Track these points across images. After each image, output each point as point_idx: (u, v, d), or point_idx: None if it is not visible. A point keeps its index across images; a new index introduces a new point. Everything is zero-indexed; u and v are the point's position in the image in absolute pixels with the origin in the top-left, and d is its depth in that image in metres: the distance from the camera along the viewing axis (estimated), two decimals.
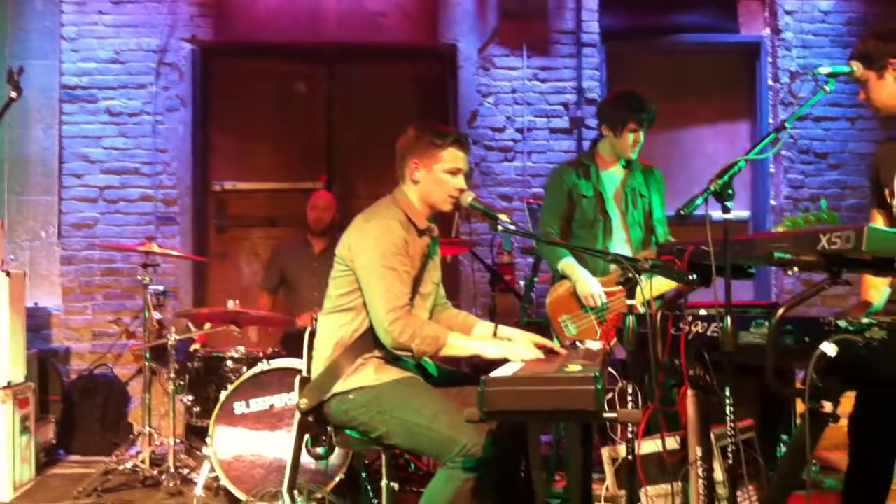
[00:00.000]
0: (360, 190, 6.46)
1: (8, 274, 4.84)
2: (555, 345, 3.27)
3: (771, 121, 6.49)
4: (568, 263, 4.30)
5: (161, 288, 5.29)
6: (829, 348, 2.30)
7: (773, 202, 6.43)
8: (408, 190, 3.33)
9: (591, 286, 4.21)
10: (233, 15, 6.32)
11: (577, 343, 3.32)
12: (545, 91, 6.40)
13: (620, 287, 4.13)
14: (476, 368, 5.50)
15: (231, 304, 4.86)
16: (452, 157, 3.26)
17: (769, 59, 6.54)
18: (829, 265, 2.46)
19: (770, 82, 6.52)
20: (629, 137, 4.32)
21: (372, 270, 3.12)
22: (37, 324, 5.95)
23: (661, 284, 3.64)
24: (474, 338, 3.30)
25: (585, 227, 4.38)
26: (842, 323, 2.34)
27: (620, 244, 4.35)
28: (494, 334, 3.37)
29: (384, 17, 6.41)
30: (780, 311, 2.45)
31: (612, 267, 4.23)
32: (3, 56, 6.15)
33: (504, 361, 3.02)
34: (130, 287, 6.07)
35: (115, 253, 6.05)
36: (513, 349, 3.07)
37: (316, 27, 6.35)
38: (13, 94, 3.10)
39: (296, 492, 3.40)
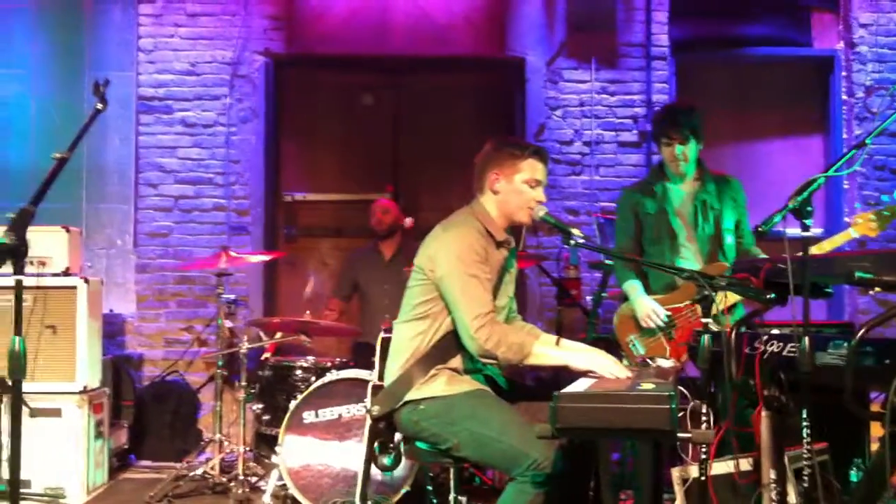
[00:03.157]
0: (426, 201, 6.49)
1: (86, 281, 4.96)
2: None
3: (845, 136, 6.37)
4: (630, 285, 4.32)
5: (232, 297, 5.37)
6: None
7: (846, 219, 6.29)
8: (486, 202, 3.35)
9: (646, 306, 4.20)
10: (304, 28, 6.41)
11: (649, 360, 3.29)
12: (614, 104, 6.37)
13: (688, 303, 4.13)
14: (541, 382, 5.50)
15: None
16: (532, 167, 3.28)
17: (843, 73, 6.42)
18: None
19: (844, 96, 6.40)
20: (666, 152, 4.32)
21: (455, 279, 3.15)
22: (111, 330, 6.07)
23: (731, 295, 3.60)
24: (560, 347, 3.29)
25: (653, 244, 4.36)
26: None
27: (690, 259, 4.30)
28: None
29: (451, 30, 6.45)
30: (861, 331, 2.41)
31: (679, 282, 4.20)
32: (83, 67, 6.32)
33: (573, 376, 3.02)
34: (203, 295, 6.18)
35: (188, 261, 6.16)
36: (599, 362, 3.05)
37: (384, 39, 6.41)
38: (99, 106, 3.15)
39: (370, 503, 3.43)
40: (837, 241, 3.90)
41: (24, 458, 4.66)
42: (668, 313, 4.17)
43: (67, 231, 5.05)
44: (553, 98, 6.35)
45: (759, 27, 6.52)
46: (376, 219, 5.73)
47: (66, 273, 4.98)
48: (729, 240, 4.33)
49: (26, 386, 4.58)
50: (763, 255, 4.19)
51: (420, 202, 6.50)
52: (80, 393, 4.87)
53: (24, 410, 4.65)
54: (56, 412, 4.83)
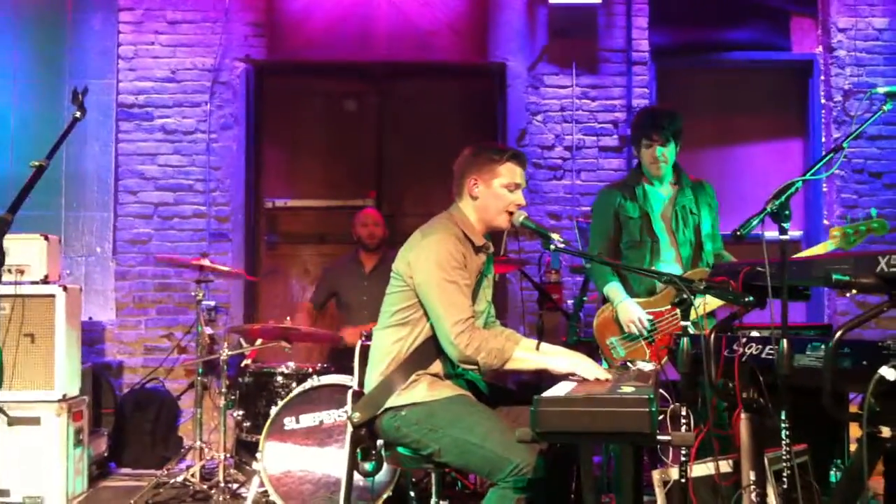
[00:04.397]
0: (409, 207, 6.49)
1: (65, 289, 4.93)
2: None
3: (823, 139, 6.41)
4: (612, 288, 4.27)
5: (212, 303, 5.35)
6: (888, 372, 2.27)
7: (826, 222, 6.34)
8: (465, 207, 3.35)
9: (631, 312, 4.17)
10: (285, 34, 6.40)
11: (629, 363, 3.30)
12: (594, 109, 6.39)
13: (669, 307, 4.13)
14: (523, 386, 5.50)
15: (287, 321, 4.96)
16: (510, 171, 3.29)
17: (821, 77, 6.47)
18: (888, 287, 2.43)
19: (823, 100, 6.45)
20: (646, 154, 4.32)
21: (434, 285, 3.14)
22: (91, 338, 6.03)
23: (712, 301, 3.61)
24: (541, 351, 3.27)
25: (633, 248, 4.34)
26: None
27: (670, 264, 4.30)
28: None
29: (434, 36, 6.45)
30: (838, 333, 2.42)
31: (660, 286, 4.20)
32: (63, 75, 6.29)
33: (554, 380, 3.02)
34: (183, 302, 6.15)
35: (169, 269, 6.13)
36: (581, 364, 3.05)
37: (366, 45, 6.41)
38: (77, 114, 3.15)
39: None
40: (816, 252, 3.92)
41: (3, 467, 4.68)
42: (651, 317, 4.17)
43: (46, 239, 5.01)
44: (534, 103, 6.37)
45: (739, 32, 6.57)
46: (368, 231, 5.63)
47: (45, 281, 4.95)
48: (708, 246, 4.35)
49: (4, 394, 4.61)
50: (734, 259, 4.21)
51: (403, 208, 6.50)
52: (60, 401, 4.84)
53: (3, 419, 4.63)
54: (35, 420, 4.79)
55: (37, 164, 3.07)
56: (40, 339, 4.87)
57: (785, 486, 2.73)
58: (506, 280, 6.21)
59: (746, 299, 2.74)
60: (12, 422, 4.72)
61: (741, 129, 6.63)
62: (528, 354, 3.16)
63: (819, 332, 3.94)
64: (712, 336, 2.85)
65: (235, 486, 4.88)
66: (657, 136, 4.26)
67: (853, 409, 2.53)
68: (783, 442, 2.63)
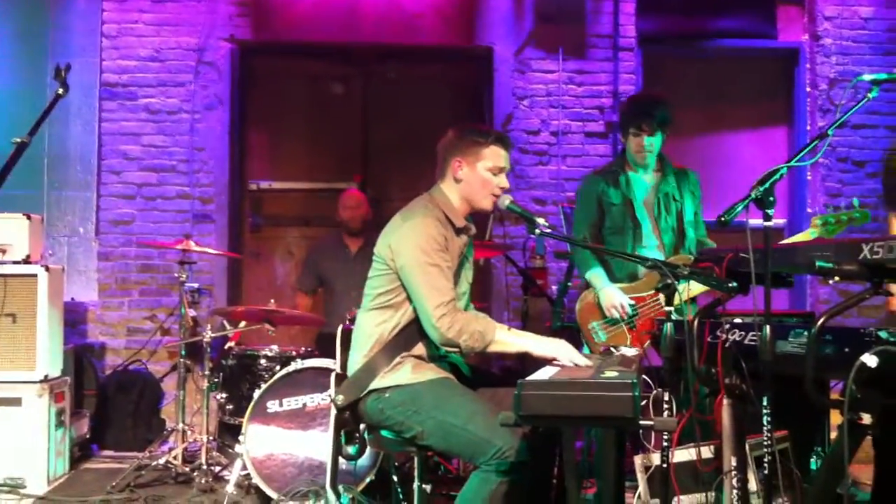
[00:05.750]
0: (394, 191, 6.47)
1: (47, 269, 4.89)
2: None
3: (808, 127, 6.43)
4: (594, 274, 4.29)
5: (196, 285, 5.32)
6: (870, 359, 2.28)
7: (809, 210, 6.36)
8: (447, 189, 3.35)
9: (613, 297, 4.18)
10: (271, 15, 6.35)
11: (612, 349, 3.31)
12: (581, 95, 6.38)
13: (651, 293, 4.14)
14: (507, 370, 5.51)
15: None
16: (495, 155, 3.28)
17: (807, 66, 6.48)
18: (871, 275, 2.44)
19: (808, 89, 6.46)
20: (633, 142, 4.31)
21: (416, 268, 3.14)
22: (73, 319, 6.00)
23: (694, 287, 3.63)
24: (522, 335, 3.25)
25: (616, 234, 4.34)
26: (883, 334, 2.32)
27: (652, 250, 4.31)
28: None
29: (421, 19, 6.42)
30: (821, 320, 2.43)
31: (642, 272, 4.22)
32: (45, 53, 6.23)
33: (538, 365, 3.02)
34: (166, 284, 6.12)
35: (152, 250, 6.10)
36: (562, 349, 3.05)
37: (353, 28, 6.37)
38: (60, 91, 3.12)
39: (341, 488, 3.41)
40: (798, 240, 3.95)
41: None
42: (633, 302, 4.19)
43: (29, 218, 4.98)
44: (521, 88, 6.36)
45: (726, 19, 6.57)
46: (349, 214, 5.65)
47: (27, 261, 4.92)
48: (690, 233, 4.36)
49: None
50: (715, 246, 4.22)
51: (389, 191, 6.48)
52: (41, 382, 4.81)
53: None
54: (16, 401, 4.76)
55: (18, 140, 3.05)
56: (22, 320, 4.84)
57: (766, 473, 2.75)
58: (490, 265, 6.21)
59: (730, 285, 2.75)
60: None
61: (727, 116, 6.64)
62: (510, 338, 3.15)
63: (801, 320, 3.97)
64: (696, 322, 2.86)
65: (218, 468, 4.87)
66: (646, 126, 4.25)
67: (834, 395, 2.55)
68: (765, 428, 2.64)
